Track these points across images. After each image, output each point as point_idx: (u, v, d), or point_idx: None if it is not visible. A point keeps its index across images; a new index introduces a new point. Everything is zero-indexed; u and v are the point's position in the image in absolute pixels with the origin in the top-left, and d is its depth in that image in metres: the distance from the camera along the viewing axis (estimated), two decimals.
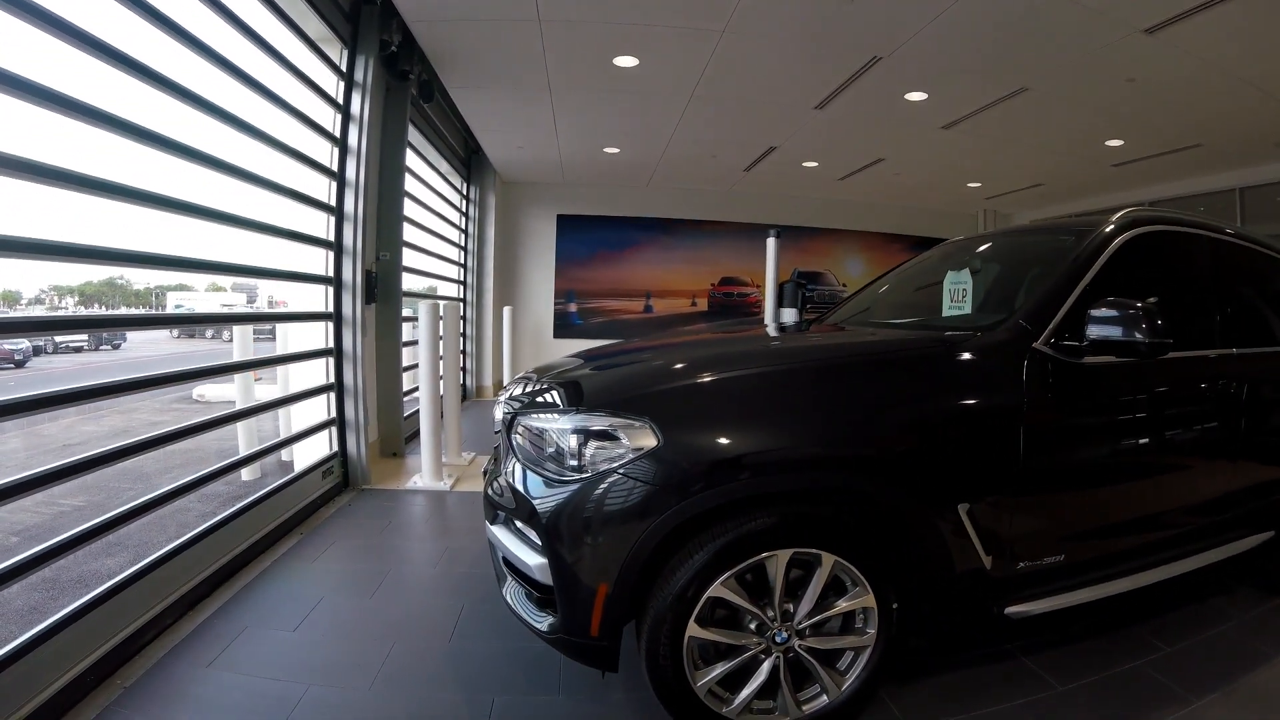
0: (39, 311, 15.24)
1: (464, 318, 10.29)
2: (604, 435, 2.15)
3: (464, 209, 10.35)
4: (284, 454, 5.43)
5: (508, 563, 2.44)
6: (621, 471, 2.09)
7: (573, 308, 11.92)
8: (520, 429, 2.40)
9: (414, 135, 7.31)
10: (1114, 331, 2.43)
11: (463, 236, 10.38)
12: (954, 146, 8.39)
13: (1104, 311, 2.46)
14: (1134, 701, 2.54)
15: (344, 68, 5.18)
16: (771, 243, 5.86)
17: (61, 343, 24.64)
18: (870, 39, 5.43)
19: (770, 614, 2.17)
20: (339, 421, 5.26)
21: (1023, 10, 4.84)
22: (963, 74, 6.08)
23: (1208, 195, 9.69)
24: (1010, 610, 2.44)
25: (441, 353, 5.75)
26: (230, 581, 3.43)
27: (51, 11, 2.52)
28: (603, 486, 2.11)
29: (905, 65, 5.88)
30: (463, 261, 10.40)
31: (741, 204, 11.80)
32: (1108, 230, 2.81)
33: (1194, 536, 2.98)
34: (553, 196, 11.62)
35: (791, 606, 2.19)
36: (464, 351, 10.02)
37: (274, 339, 7.40)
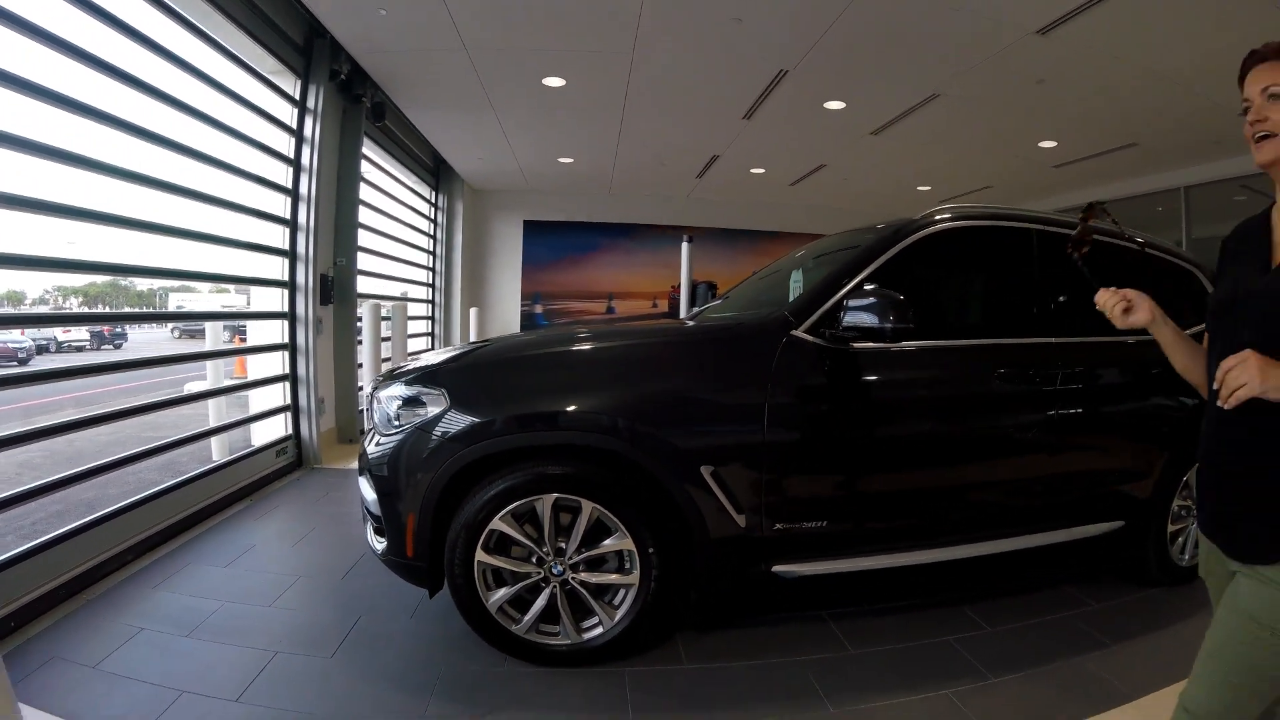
0: (43, 310, 16.23)
1: (431, 318, 11.16)
2: (414, 401, 2.82)
3: (432, 216, 11.24)
4: (255, 441, 6.26)
5: (363, 502, 3.10)
6: (423, 428, 2.75)
7: (539, 309, 12.79)
8: (374, 400, 3.05)
9: (377, 151, 8.22)
10: (863, 319, 2.70)
11: (431, 241, 11.27)
12: (888, 152, 8.93)
13: (854, 301, 2.74)
14: (921, 670, 2.73)
15: (297, 96, 6.01)
16: (685, 247, 6.66)
17: (64, 342, 25.55)
18: (772, 54, 5.98)
19: (545, 549, 2.71)
20: (293, 408, 6.13)
21: (912, 19, 5.22)
22: (873, 83, 6.61)
23: (1153, 195, 9.99)
24: (778, 569, 2.77)
25: (390, 347, 6.54)
26: (185, 533, 4.32)
27: (63, 92, 3.46)
28: (411, 439, 2.76)
29: (814, 77, 6.41)
30: (431, 265, 11.29)
31: (700, 209, 12.58)
32: (890, 232, 3.06)
33: (1000, 520, 3.12)
34: (519, 203, 12.49)
35: (565, 544, 2.72)
36: (430, 349, 10.85)
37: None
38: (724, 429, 2.77)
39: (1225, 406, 1.36)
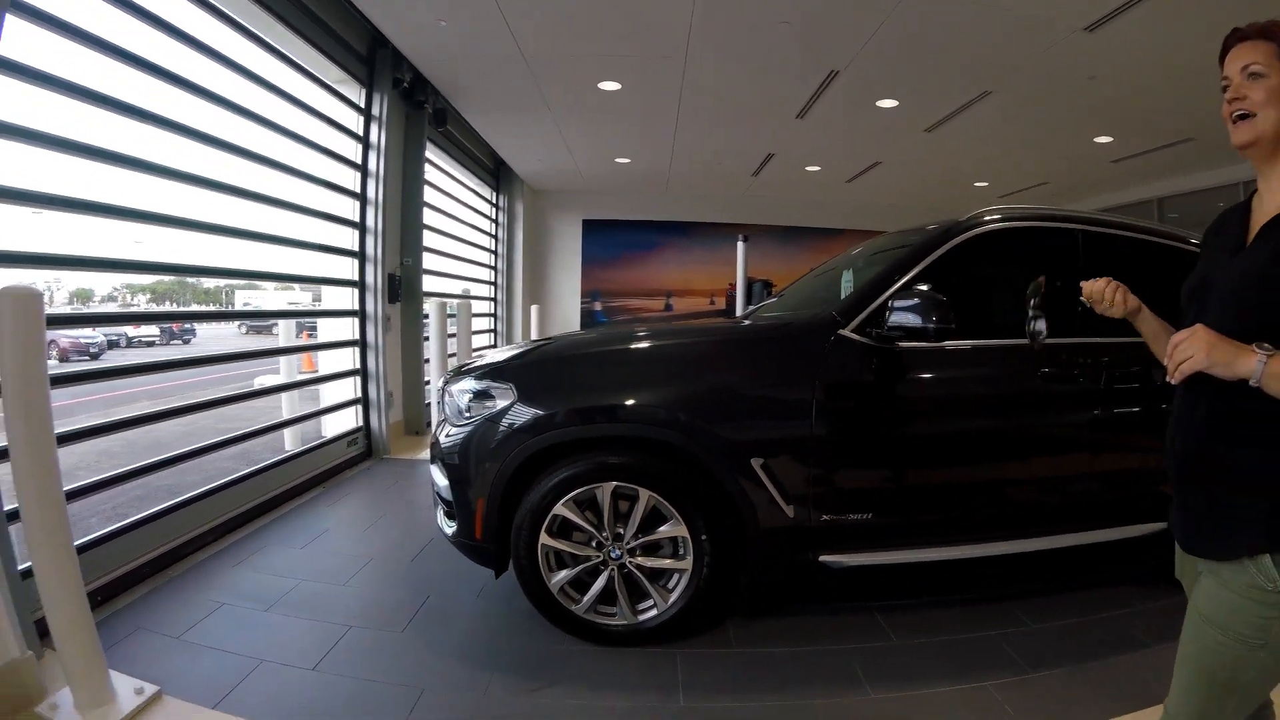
0: (110, 308, 16.91)
1: (494, 315, 11.38)
2: (483, 394, 2.97)
3: (494, 216, 11.46)
4: (327, 432, 6.49)
5: (434, 487, 3.30)
6: (491, 419, 2.90)
7: (598, 306, 12.92)
8: (445, 393, 3.27)
9: (439, 154, 8.43)
10: (908, 319, 2.72)
11: (493, 241, 11.49)
12: (943, 148, 8.84)
13: (899, 302, 2.76)
14: (962, 662, 2.72)
15: (362, 104, 6.23)
16: (740, 247, 6.67)
17: (134, 337, 26.16)
18: (822, 55, 6.00)
19: (604, 534, 2.82)
20: (363, 401, 6.35)
21: (959, 19, 5.20)
22: (925, 81, 6.58)
23: (1215, 190, 9.71)
24: (825, 559, 2.84)
25: (455, 344, 6.71)
26: (262, 517, 4.53)
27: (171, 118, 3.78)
28: (481, 430, 2.91)
29: (865, 76, 6.40)
30: (493, 264, 11.50)
31: (757, 206, 12.54)
32: (939, 233, 3.07)
33: (1042, 517, 3.09)
34: (578, 202, 12.63)
35: (623, 530, 2.82)
36: (493, 345, 11.07)
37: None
38: (774, 423, 2.86)
39: (1172, 381, 1.33)
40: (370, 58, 6.21)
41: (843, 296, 3.20)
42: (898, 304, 2.78)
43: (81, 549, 2.72)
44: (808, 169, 10.46)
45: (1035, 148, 8.84)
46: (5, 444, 2.33)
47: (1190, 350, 1.27)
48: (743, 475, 2.76)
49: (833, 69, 6.31)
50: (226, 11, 4.46)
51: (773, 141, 9.00)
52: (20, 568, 2.57)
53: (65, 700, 2.40)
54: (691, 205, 12.62)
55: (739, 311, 5.45)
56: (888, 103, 7.25)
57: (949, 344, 2.92)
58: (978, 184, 11.20)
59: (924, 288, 2.80)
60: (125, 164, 3.59)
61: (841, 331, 2.88)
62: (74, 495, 2.94)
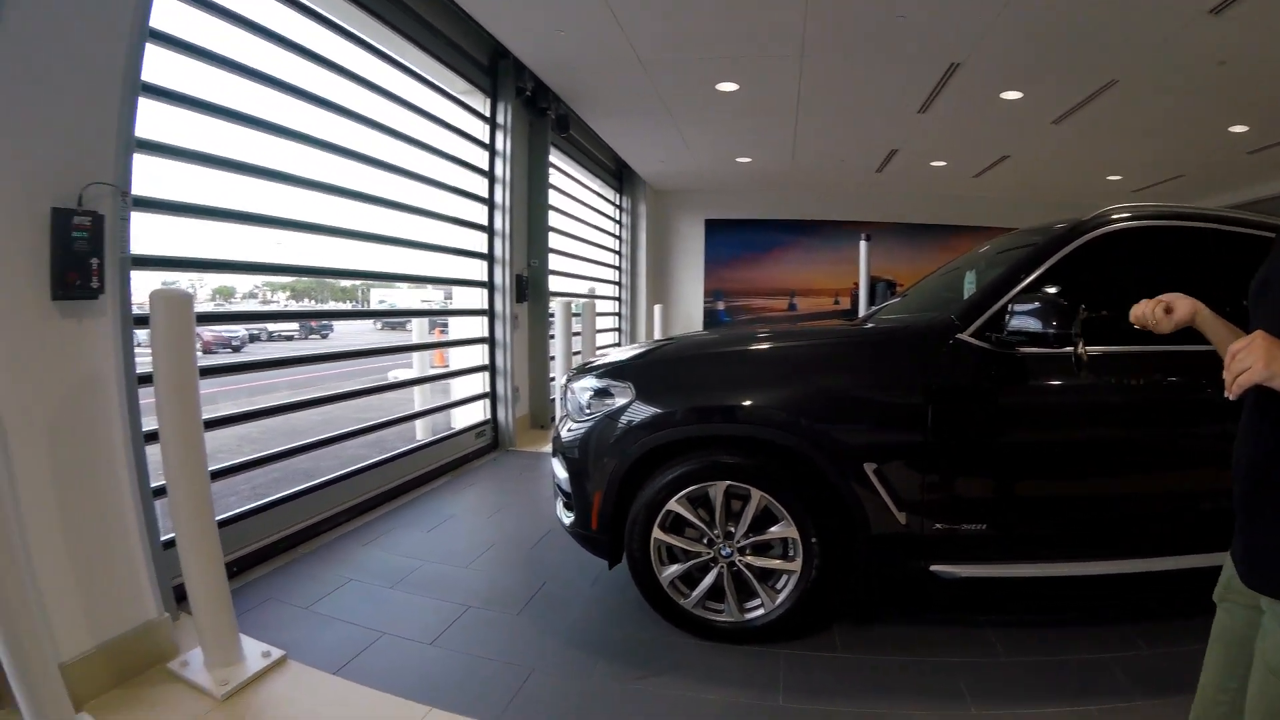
0: (251, 306, 17.91)
1: (618, 314, 11.47)
2: (604, 392, 3.02)
3: (617, 217, 11.57)
4: (456, 424, 6.73)
5: (555, 479, 3.37)
6: (611, 416, 2.94)
7: (720, 306, 12.75)
8: (567, 390, 3.33)
9: (563, 159, 8.58)
10: (1028, 323, 2.56)
11: (617, 242, 11.59)
12: (1071, 141, 8.34)
13: (1019, 305, 2.61)
14: (1069, 684, 2.55)
15: (487, 113, 6.42)
16: (863, 246, 6.47)
17: (274, 331, 27.53)
18: (940, 48, 5.75)
19: (716, 532, 2.81)
20: (491, 395, 6.54)
21: (1078, 5, 4.91)
22: (1048, 71, 6.21)
23: None
24: (936, 568, 2.73)
25: (579, 341, 6.84)
26: (392, 501, 4.71)
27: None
28: (600, 426, 2.96)
29: (986, 68, 6.10)
30: (617, 264, 11.60)
31: (882, 203, 12.08)
32: (1063, 232, 2.88)
33: (1165, 535, 2.84)
34: (700, 202, 12.53)
35: (734, 528, 2.80)
36: (617, 343, 11.17)
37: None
38: (888, 428, 2.77)
39: (1230, 397, 1.11)
40: (493, 69, 6.37)
41: (965, 298, 3.07)
42: (1018, 307, 2.63)
43: (221, 524, 2.87)
44: (933, 164, 10.03)
45: (1166, 139, 8.23)
46: (156, 427, 2.48)
47: (1248, 360, 1.08)
48: (855, 480, 2.69)
49: (953, 61, 6.05)
50: (362, 36, 4.71)
51: (895, 137, 8.68)
52: (163, 538, 2.75)
53: (195, 658, 2.55)
54: (814, 203, 12.28)
55: (861, 312, 5.25)
56: (1012, 94, 6.89)
57: (1072, 349, 2.68)
58: (1110, 177, 10.42)
59: (1049, 290, 2.65)
60: (279, 179, 3.92)
61: (960, 335, 2.76)
62: (216, 475, 3.13)
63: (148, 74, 2.71)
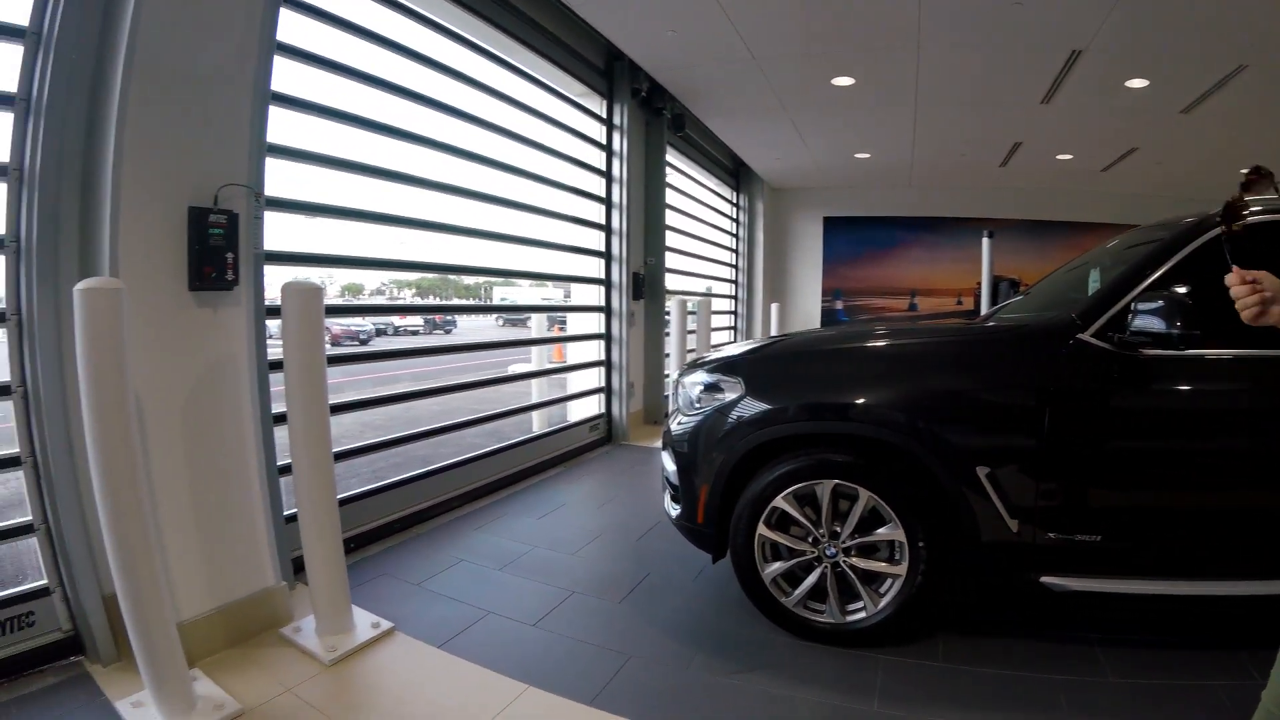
0: (378, 301, 18.63)
1: (733, 312, 11.36)
2: (714, 387, 3.00)
3: (734, 215, 11.44)
4: (571, 417, 6.85)
5: (664, 472, 3.35)
6: (720, 411, 2.91)
7: (839, 305, 12.36)
8: (678, 385, 3.31)
9: (679, 158, 8.57)
10: (1152, 323, 2.42)
11: (734, 240, 11.47)
12: (1203, 131, 7.60)
13: (1143, 304, 2.47)
14: (1177, 712, 2.37)
15: (604, 115, 6.47)
16: (985, 243, 6.16)
17: (400, 327, 28.65)
18: (1060, 34, 5.41)
19: (821, 531, 2.72)
20: (606, 390, 6.61)
21: None
22: (1173, 57, 5.73)
23: None
24: (1046, 580, 2.57)
25: (694, 339, 6.82)
26: (505, 489, 4.83)
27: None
28: (710, 421, 2.93)
29: (1109, 54, 5.69)
30: (734, 262, 11.48)
31: (1007, 199, 11.36)
32: (1189, 227, 2.65)
33: None
34: (818, 199, 12.19)
35: (839, 528, 2.71)
36: (732, 341, 11.06)
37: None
38: (1003, 431, 2.63)
39: None
40: (608, 70, 6.42)
41: (1088, 296, 2.94)
42: (1141, 306, 2.47)
43: (341, 502, 2.99)
44: (1058, 158, 9.35)
45: None
46: (284, 410, 2.63)
47: None
48: (966, 484, 2.56)
49: (1074, 49, 5.64)
50: (482, 45, 4.85)
51: (1018, 129, 8.16)
52: (286, 513, 2.91)
53: (308, 625, 2.69)
54: (936, 199, 11.69)
55: (983, 311, 4.98)
56: (1137, 82, 6.34)
57: (1200, 353, 2.50)
58: (1245, 170, 9.37)
59: (1177, 289, 2.45)
60: (405, 181, 4.09)
61: (1081, 336, 2.58)
62: (339, 457, 3.30)
63: (300, 87, 2.91)
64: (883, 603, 2.69)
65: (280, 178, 3.07)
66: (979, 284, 7.15)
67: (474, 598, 3.09)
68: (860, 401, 2.71)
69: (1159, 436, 2.57)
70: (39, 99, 2.27)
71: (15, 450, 2.36)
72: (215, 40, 2.55)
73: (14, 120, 2.29)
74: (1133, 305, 2.49)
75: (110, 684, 2.33)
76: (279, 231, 3.09)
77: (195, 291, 2.52)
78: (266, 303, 2.90)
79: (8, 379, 2.34)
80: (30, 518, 2.39)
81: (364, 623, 2.74)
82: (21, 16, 2.30)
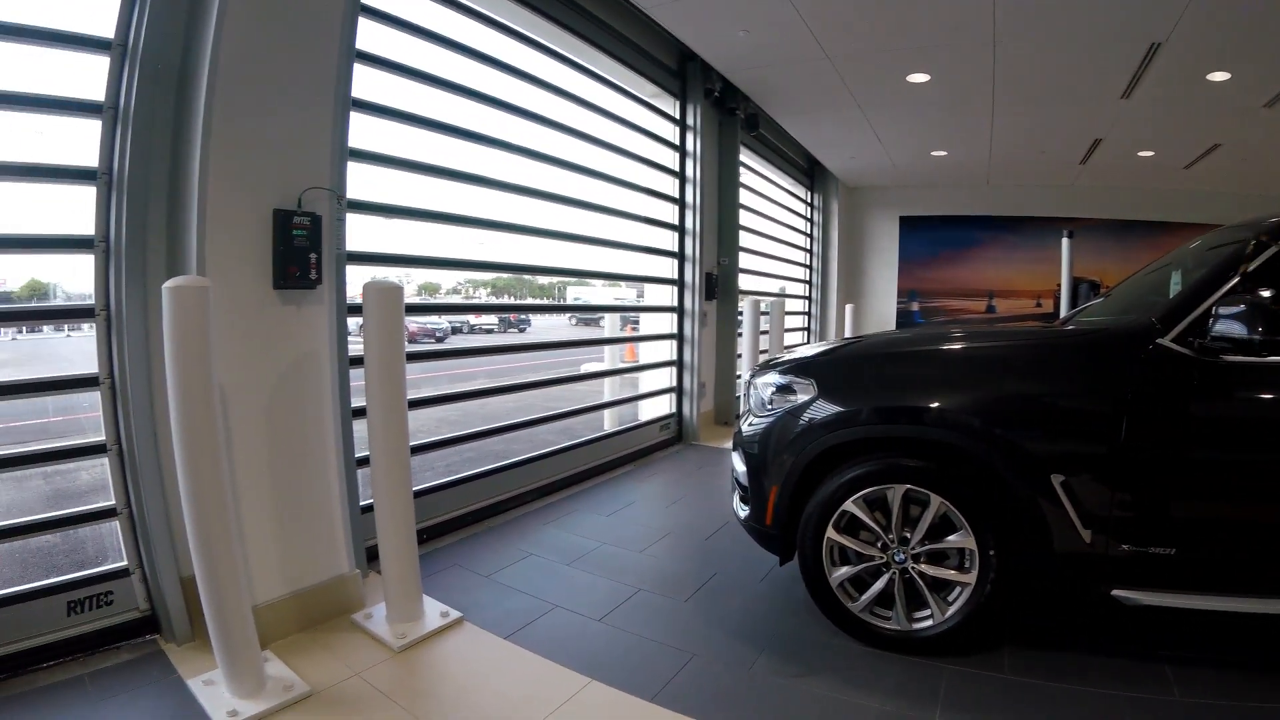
0: (455, 300, 19.03)
1: (807, 313, 11.18)
2: (786, 389, 2.96)
3: (808, 215, 11.24)
4: (642, 416, 6.85)
5: (733, 473, 3.31)
6: (792, 413, 2.87)
7: (915, 306, 11.99)
8: (750, 386, 3.27)
9: (753, 158, 8.47)
10: (1234, 328, 2.33)
11: (808, 240, 11.27)
12: None
13: (1224, 308, 2.37)
14: None
15: (677, 115, 6.44)
16: (1065, 243, 5.92)
17: (475, 325, 29.06)
18: (1139, 27, 5.16)
19: (890, 536, 2.66)
20: (678, 390, 6.58)
21: None
22: (1255, 49, 5.40)
23: None
24: (1118, 593, 2.48)
25: (767, 340, 6.72)
26: (576, 485, 4.86)
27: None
28: (781, 422, 2.90)
29: (1190, 47, 5.41)
30: (808, 263, 11.29)
31: (1088, 198, 10.79)
32: (1273, 228, 2.53)
33: None
34: (893, 199, 11.86)
35: (909, 534, 2.65)
36: (805, 343, 10.89)
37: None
38: (1079, 439, 2.52)
39: None
40: (681, 71, 6.39)
41: (1169, 299, 2.84)
42: (1222, 311, 2.36)
43: (416, 494, 3.06)
44: (1140, 155, 8.83)
45: None
46: (363, 404, 2.69)
47: None
48: (1040, 492, 2.48)
49: (1153, 41, 5.34)
50: (553, 47, 4.88)
51: (1098, 125, 7.75)
52: (362, 504, 2.98)
53: (379, 612, 2.75)
54: (1015, 198, 11.20)
55: (1062, 314, 4.76)
56: (1219, 75, 5.97)
57: None
58: None
59: (1261, 293, 2.35)
60: (481, 183, 4.17)
61: (1160, 341, 2.46)
62: (415, 451, 3.35)
63: (378, 93, 2.99)
64: (950, 611, 2.61)
65: (360, 180, 3.16)
66: (1059, 286, 6.86)
67: (542, 591, 3.11)
68: (934, 406, 2.63)
69: (1239, 447, 2.44)
70: (126, 107, 2.38)
71: (101, 438, 2.48)
72: (297, 48, 2.63)
73: (102, 127, 2.41)
74: (1214, 309, 2.38)
75: (183, 662, 2.43)
76: (359, 232, 3.17)
77: (280, 290, 2.61)
78: (348, 301, 2.98)
79: (95, 370, 2.46)
80: (113, 502, 2.51)
81: (433, 612, 2.78)
82: (107, 29, 2.41)
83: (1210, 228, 3.60)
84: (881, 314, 12.13)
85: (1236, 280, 2.43)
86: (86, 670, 2.37)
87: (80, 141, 2.39)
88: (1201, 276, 2.55)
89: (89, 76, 2.39)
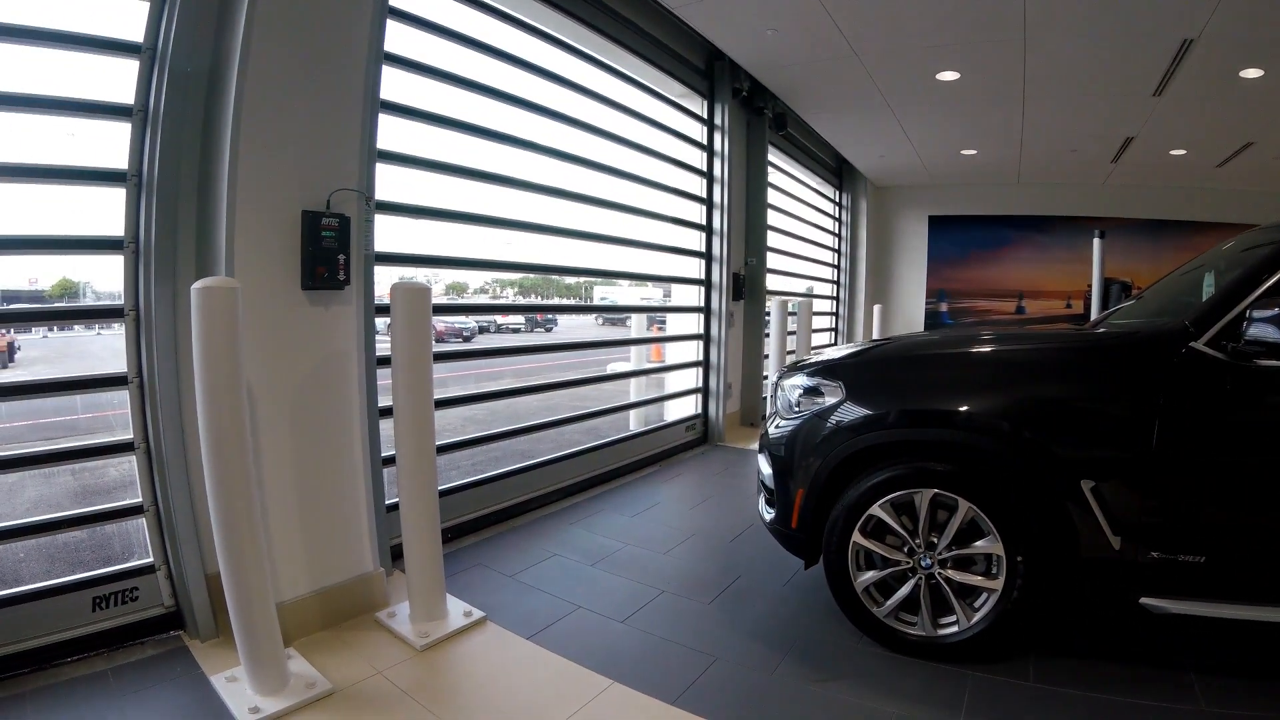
0: (482, 300, 19.17)
1: (835, 314, 11.06)
2: (813, 391, 2.91)
3: (837, 215, 11.12)
4: (668, 417, 6.82)
5: (759, 475, 3.27)
6: (819, 415, 2.83)
7: (943, 307, 11.79)
8: (777, 387, 3.22)
9: (781, 157, 8.39)
10: (1267, 332, 2.29)
11: (836, 240, 11.15)
12: None
13: (1258, 311, 2.33)
14: None
15: (704, 115, 6.38)
16: (1096, 243, 5.79)
17: (503, 324, 28.56)
18: (1171, 22, 5.02)
19: (917, 541, 2.60)
20: (704, 390, 6.53)
21: None
22: None
23: None
24: (1146, 601, 2.42)
25: (794, 341, 6.66)
26: (601, 486, 4.83)
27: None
28: (808, 425, 2.86)
29: (1223, 43, 5.24)
30: (836, 263, 11.17)
31: (1120, 197, 10.53)
32: None
33: None
34: (922, 198, 11.67)
35: (936, 539, 2.59)
36: (833, 344, 10.78)
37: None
38: (1109, 444, 2.45)
39: None
40: (709, 71, 6.33)
41: (1202, 302, 2.79)
42: (1257, 314, 2.31)
43: (441, 493, 3.04)
44: (1172, 153, 8.61)
45: None
46: (390, 403, 2.68)
47: None
48: (1069, 497, 2.43)
49: (1185, 37, 5.19)
50: (580, 48, 4.86)
51: (1130, 124, 7.55)
52: (388, 502, 2.97)
53: (402, 611, 2.74)
54: (1045, 198, 10.94)
55: (1093, 316, 4.64)
56: (1252, 72, 5.79)
57: None
58: None
59: None
60: (508, 184, 4.17)
61: (1193, 344, 2.40)
62: (441, 450, 3.36)
63: (407, 95, 2.99)
64: (976, 617, 2.56)
65: (388, 181, 3.15)
66: (1089, 286, 6.68)
67: (565, 592, 3.09)
68: (963, 409, 2.58)
69: (1272, 454, 2.36)
70: (155, 110, 2.40)
71: (129, 436, 2.50)
72: (325, 51, 2.63)
73: (131, 130, 2.43)
74: (1248, 313, 2.33)
75: (206, 658, 2.44)
76: (387, 233, 3.17)
77: (308, 290, 2.61)
78: (376, 301, 2.97)
79: (124, 370, 2.47)
80: (140, 499, 2.53)
81: (457, 611, 2.77)
82: (136, 33, 2.43)
83: (1244, 228, 3.51)
84: (909, 315, 11.96)
85: (1271, 283, 2.37)
86: (110, 665, 2.39)
87: (110, 144, 2.41)
88: (1235, 279, 2.49)
89: (118, 79, 2.41)
